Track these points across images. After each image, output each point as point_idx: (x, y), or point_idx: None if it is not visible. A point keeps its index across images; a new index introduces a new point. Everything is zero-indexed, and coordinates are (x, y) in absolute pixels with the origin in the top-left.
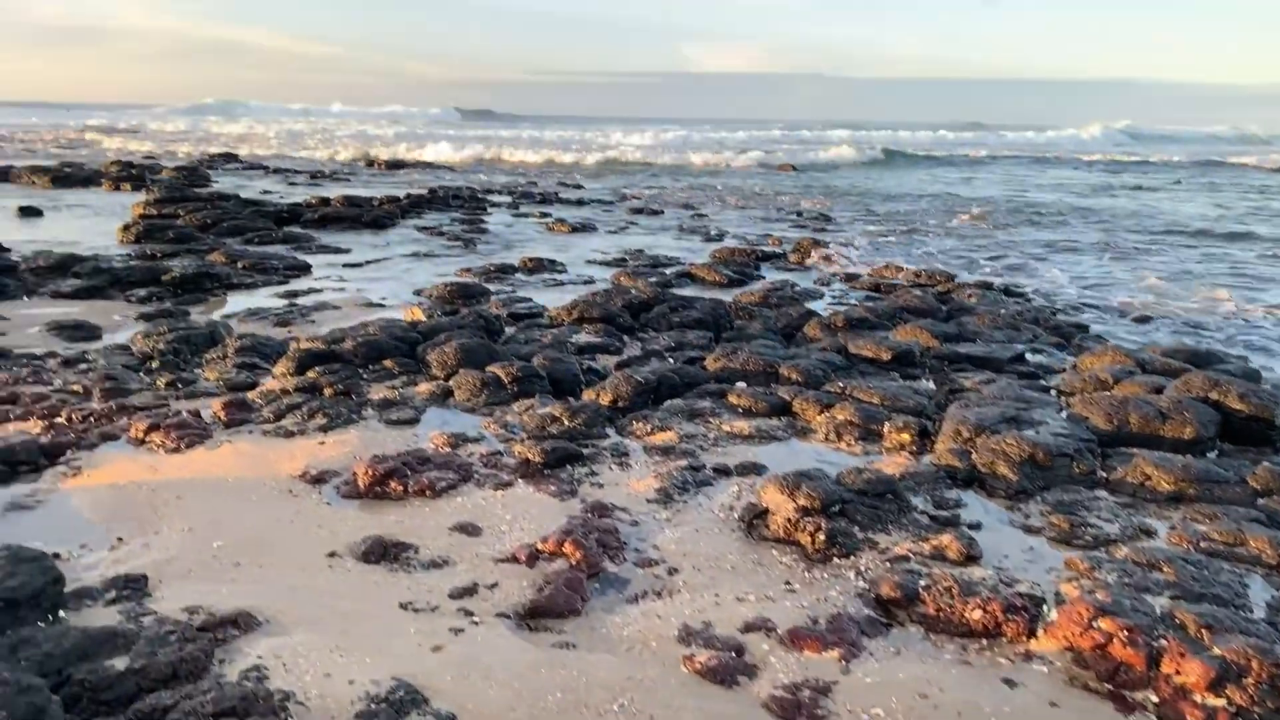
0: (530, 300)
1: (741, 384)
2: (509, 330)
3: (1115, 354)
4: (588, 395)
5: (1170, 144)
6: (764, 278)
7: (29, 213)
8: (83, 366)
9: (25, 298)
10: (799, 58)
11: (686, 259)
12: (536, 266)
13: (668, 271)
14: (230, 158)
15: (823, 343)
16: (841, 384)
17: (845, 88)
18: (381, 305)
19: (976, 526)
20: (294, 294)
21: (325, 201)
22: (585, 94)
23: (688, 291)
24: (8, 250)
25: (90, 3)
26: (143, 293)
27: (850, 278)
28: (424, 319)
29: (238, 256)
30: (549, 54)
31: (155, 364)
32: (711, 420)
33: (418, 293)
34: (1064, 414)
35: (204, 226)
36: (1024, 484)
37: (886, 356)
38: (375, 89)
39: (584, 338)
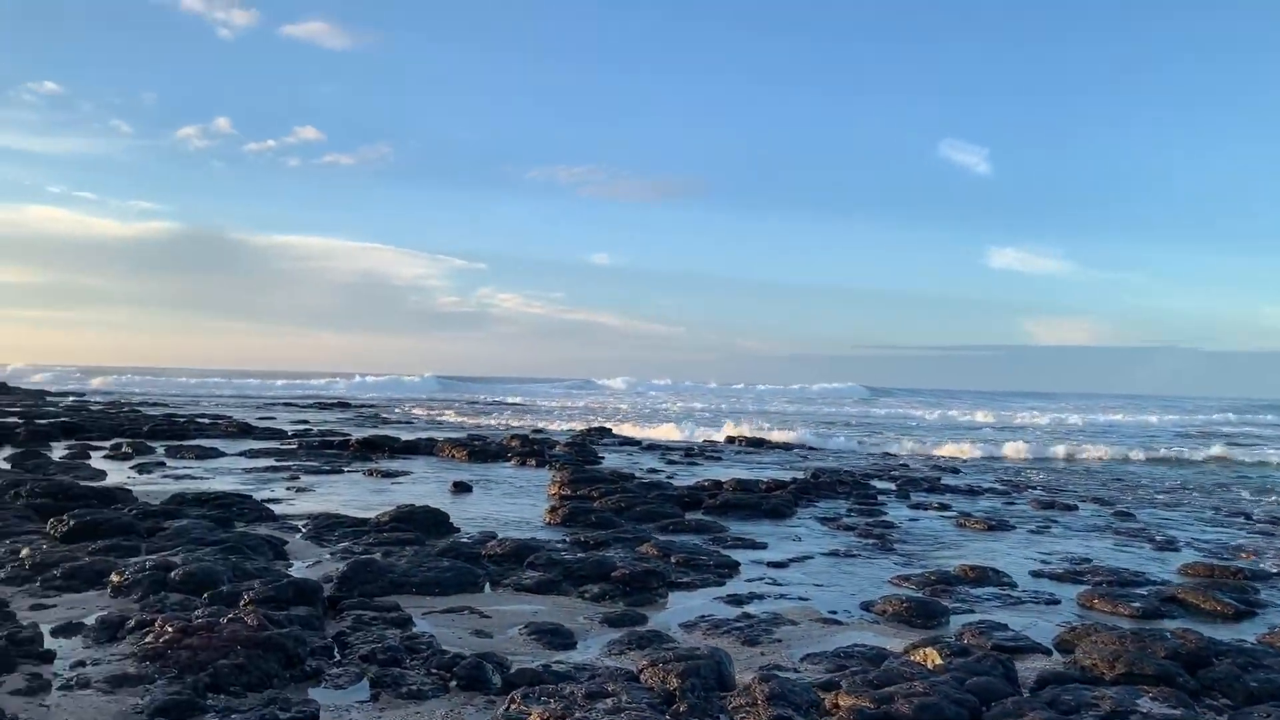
0: (1008, 629)
1: None
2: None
3: None
4: None
5: None
6: (1272, 606)
7: (461, 488)
8: (609, 703)
9: (490, 588)
10: (1144, 331)
11: (1153, 574)
12: (980, 577)
13: (1141, 591)
14: (604, 432)
15: None
16: None
17: (1204, 360)
18: (835, 620)
19: None
20: (738, 599)
21: (719, 485)
22: (914, 365)
23: (1177, 622)
24: (464, 538)
25: (477, 296)
26: (595, 589)
27: None
28: (939, 660)
29: (669, 550)
30: (875, 329)
31: (681, 707)
32: None
33: (866, 607)
34: None
35: (618, 510)
36: None
37: None
38: (710, 364)
39: (1155, 707)
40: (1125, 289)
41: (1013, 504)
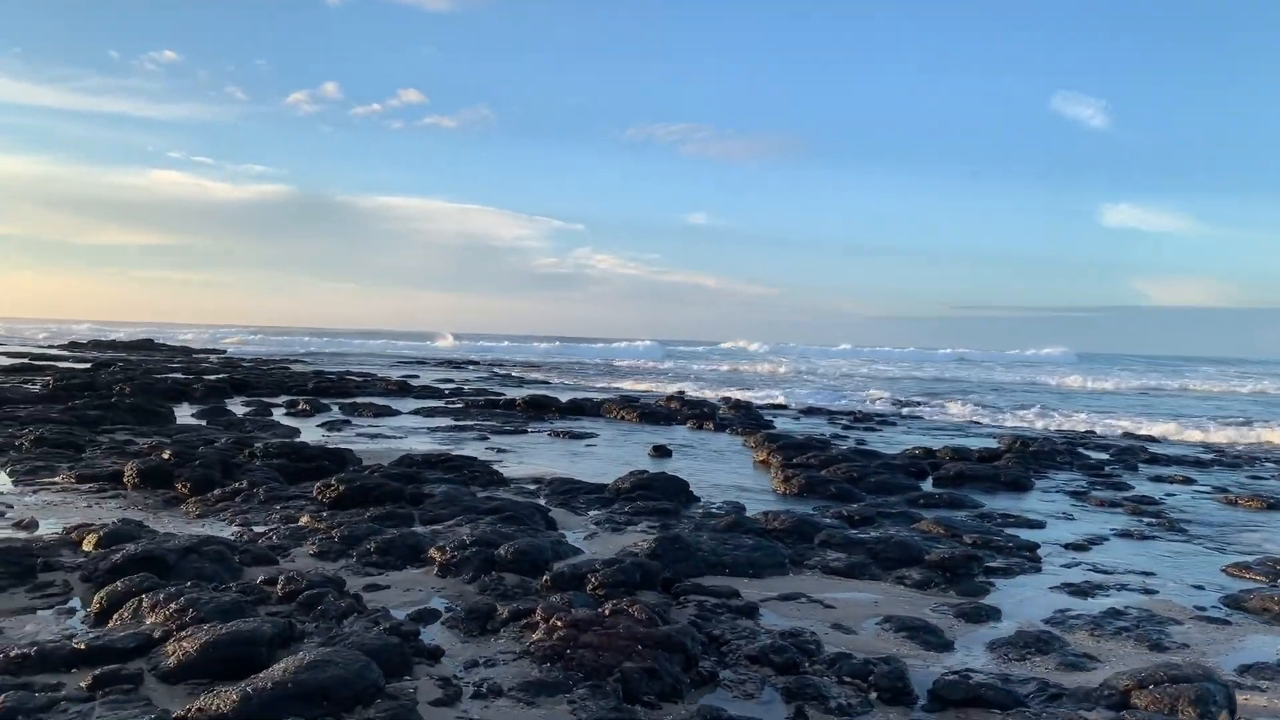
0: None
1: None
2: None
3: None
4: None
5: None
6: None
7: (661, 452)
8: None
9: (793, 569)
10: (1269, 292)
11: None
12: None
13: None
14: (745, 389)
15: None
16: None
17: None
18: (1220, 620)
19: None
20: (1077, 589)
21: (931, 453)
22: (1015, 325)
23: None
24: (716, 508)
25: (574, 257)
26: (913, 575)
27: None
28: None
29: (953, 528)
30: (976, 290)
31: None
32: None
33: (1234, 603)
34: None
35: (851, 480)
36: None
37: None
38: (803, 325)
39: None
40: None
41: (1261, 478)
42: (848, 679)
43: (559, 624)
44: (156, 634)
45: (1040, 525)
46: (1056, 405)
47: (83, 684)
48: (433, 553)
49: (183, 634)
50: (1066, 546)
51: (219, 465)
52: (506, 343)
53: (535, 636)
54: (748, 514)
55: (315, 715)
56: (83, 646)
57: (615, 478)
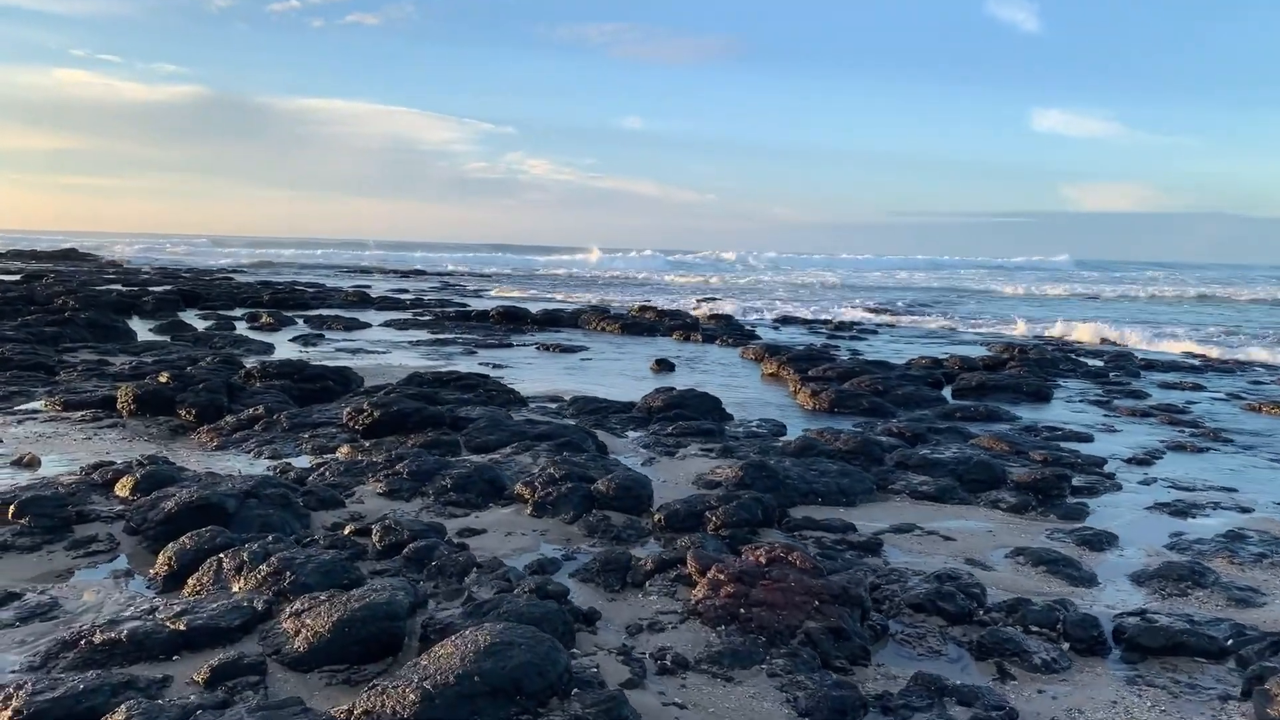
0: None
1: None
2: None
3: None
4: None
5: None
6: None
7: (664, 366)
8: None
9: (879, 494)
10: (1191, 197)
11: None
12: None
13: None
14: (711, 300)
15: None
16: None
17: (1252, 227)
18: None
19: None
20: (1173, 508)
21: (938, 363)
22: (947, 233)
23: None
24: (756, 427)
25: (505, 161)
26: (1007, 498)
27: None
28: None
29: (1015, 444)
30: (912, 196)
31: None
32: None
33: None
34: None
35: (877, 393)
36: None
37: None
38: (745, 233)
39: None
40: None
41: (1262, 383)
42: (1034, 629)
43: (722, 578)
44: (259, 605)
45: (1088, 438)
46: (1028, 313)
47: (197, 677)
48: (520, 489)
49: (299, 607)
50: (1129, 462)
51: (224, 387)
52: (422, 253)
53: (698, 594)
54: (789, 432)
55: (507, 715)
56: (182, 627)
57: (638, 395)
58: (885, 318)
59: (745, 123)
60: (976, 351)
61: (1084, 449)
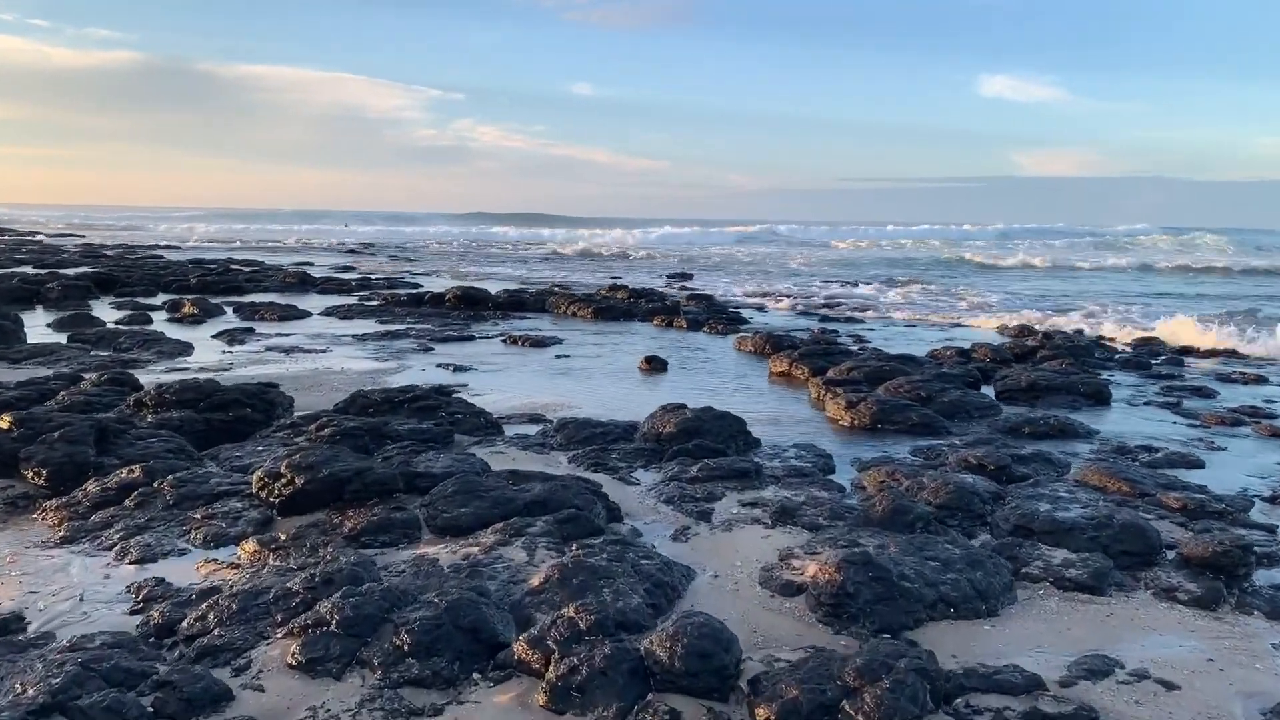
0: None
1: None
2: None
3: None
4: None
5: None
6: None
7: (655, 365)
8: None
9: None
10: (1133, 162)
11: None
12: None
13: None
14: (684, 277)
15: None
16: None
17: (1191, 191)
18: None
19: None
20: None
21: (965, 355)
22: (899, 199)
23: None
24: (793, 456)
25: (455, 128)
26: (1169, 579)
27: None
28: None
29: (1131, 480)
30: (862, 162)
31: None
32: None
33: None
34: None
35: (919, 400)
36: None
37: None
38: (697, 201)
39: None
40: (1119, 119)
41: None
42: None
43: None
44: None
45: (1198, 463)
46: (1021, 289)
47: None
48: (522, 652)
49: None
50: (1272, 502)
51: (92, 434)
52: (378, 225)
53: None
54: (836, 465)
55: None
56: None
57: (634, 406)
58: (866, 289)
59: (693, 88)
60: (975, 335)
61: (1197, 477)
